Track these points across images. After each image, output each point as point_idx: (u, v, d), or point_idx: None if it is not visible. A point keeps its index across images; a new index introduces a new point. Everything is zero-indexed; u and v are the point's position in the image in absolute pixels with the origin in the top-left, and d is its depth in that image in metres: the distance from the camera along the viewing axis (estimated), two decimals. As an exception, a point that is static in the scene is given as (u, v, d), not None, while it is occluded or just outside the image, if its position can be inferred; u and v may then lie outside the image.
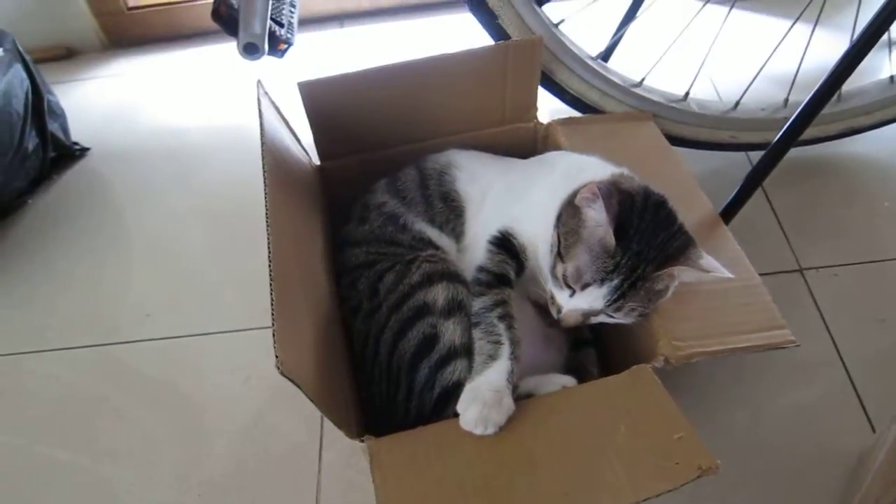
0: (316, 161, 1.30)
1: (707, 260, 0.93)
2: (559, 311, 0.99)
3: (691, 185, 1.23)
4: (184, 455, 1.23)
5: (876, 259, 1.45)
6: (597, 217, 0.92)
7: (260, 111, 1.06)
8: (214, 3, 1.11)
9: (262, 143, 1.01)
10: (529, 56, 1.25)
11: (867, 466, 1.06)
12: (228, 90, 2.01)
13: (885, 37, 1.15)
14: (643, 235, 0.92)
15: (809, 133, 1.51)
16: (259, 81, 1.13)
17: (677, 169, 1.27)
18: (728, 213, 1.29)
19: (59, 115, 1.79)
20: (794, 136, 1.20)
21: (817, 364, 1.29)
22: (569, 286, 0.96)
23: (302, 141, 1.25)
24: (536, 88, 1.31)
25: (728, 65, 1.81)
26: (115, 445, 1.26)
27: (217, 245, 1.59)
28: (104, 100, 2.02)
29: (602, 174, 1.03)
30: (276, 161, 1.04)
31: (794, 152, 1.55)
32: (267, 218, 0.91)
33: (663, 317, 1.00)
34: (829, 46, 1.34)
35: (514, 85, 1.27)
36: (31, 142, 1.66)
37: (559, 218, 1.00)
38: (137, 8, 2.16)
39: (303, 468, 1.19)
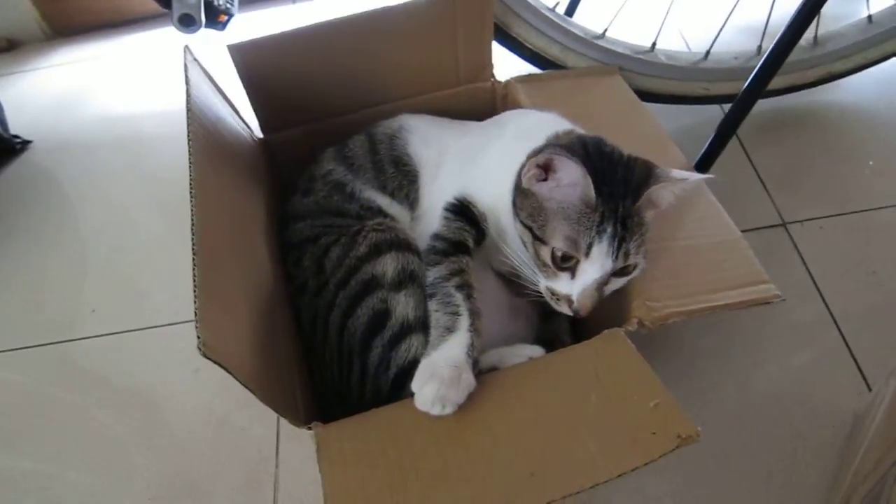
0: (259, 134, 1.21)
1: (676, 171, 0.88)
2: (570, 302, 0.88)
3: (663, 138, 1.16)
4: (133, 455, 1.15)
5: (863, 209, 1.38)
6: (569, 178, 0.85)
7: (186, 77, 0.98)
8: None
9: (188, 110, 0.92)
10: (479, 7, 1.16)
11: (865, 426, 0.98)
12: (178, 75, 1.90)
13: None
14: (605, 175, 0.86)
15: (786, 81, 1.45)
16: (186, 47, 1.03)
17: (647, 123, 1.19)
18: (703, 167, 1.22)
19: (-5, 108, 1.69)
20: (768, 74, 1.13)
21: (807, 322, 1.22)
22: (563, 268, 0.87)
23: (245, 116, 1.17)
24: (490, 43, 1.22)
25: (696, 14, 1.75)
26: (60, 448, 1.18)
27: (167, 234, 1.50)
28: (47, 91, 1.92)
29: (543, 138, 0.97)
30: (205, 131, 0.95)
31: (771, 104, 1.50)
32: (191, 189, 0.83)
33: (636, 277, 0.92)
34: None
35: (465, 40, 1.18)
36: (-34, 137, 1.56)
37: (514, 206, 0.92)
38: (80, -6, 2.05)
39: (259, 462, 1.11)
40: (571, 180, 0.85)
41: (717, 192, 1.05)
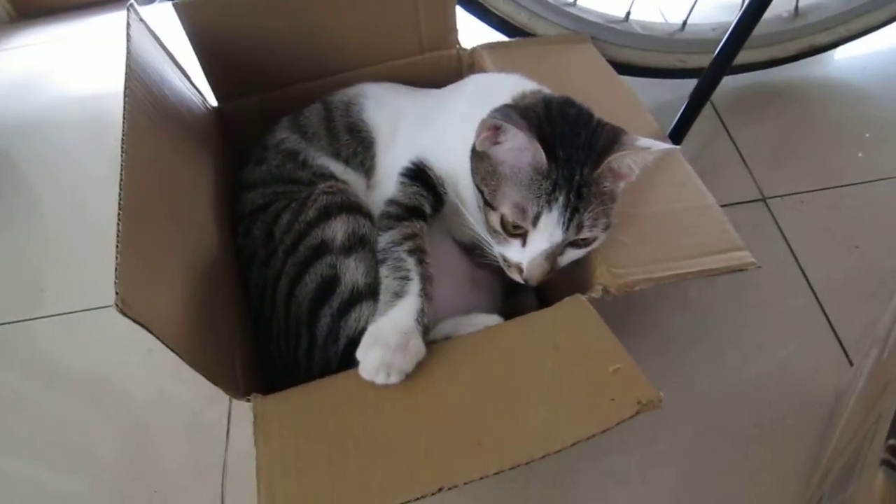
0: (213, 103, 1.15)
1: (643, 140, 0.81)
2: (521, 270, 0.84)
3: (636, 105, 1.11)
4: (78, 439, 1.10)
5: (845, 183, 1.33)
6: (515, 143, 0.80)
7: (128, 35, 0.93)
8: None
9: (127, 66, 0.87)
10: (439, -32, 1.11)
11: (845, 402, 0.93)
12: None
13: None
14: (564, 140, 0.80)
15: (767, 53, 1.41)
16: (131, 5, 0.98)
17: (620, 90, 1.15)
18: (675, 138, 1.18)
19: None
20: (742, 36, 1.08)
21: (787, 298, 1.17)
22: (515, 235, 0.83)
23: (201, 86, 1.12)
24: (453, 8, 1.17)
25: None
26: (4, 433, 1.12)
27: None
28: (8, 73, 1.85)
29: (505, 98, 0.91)
30: (146, 90, 0.91)
31: (753, 78, 1.46)
32: (122, 144, 0.78)
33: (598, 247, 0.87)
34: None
35: (427, 4, 1.12)
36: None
37: (472, 169, 0.88)
38: (44, -25, 1.98)
39: (208, 445, 1.05)
40: (517, 145, 0.80)
41: (696, 168, 0.99)
